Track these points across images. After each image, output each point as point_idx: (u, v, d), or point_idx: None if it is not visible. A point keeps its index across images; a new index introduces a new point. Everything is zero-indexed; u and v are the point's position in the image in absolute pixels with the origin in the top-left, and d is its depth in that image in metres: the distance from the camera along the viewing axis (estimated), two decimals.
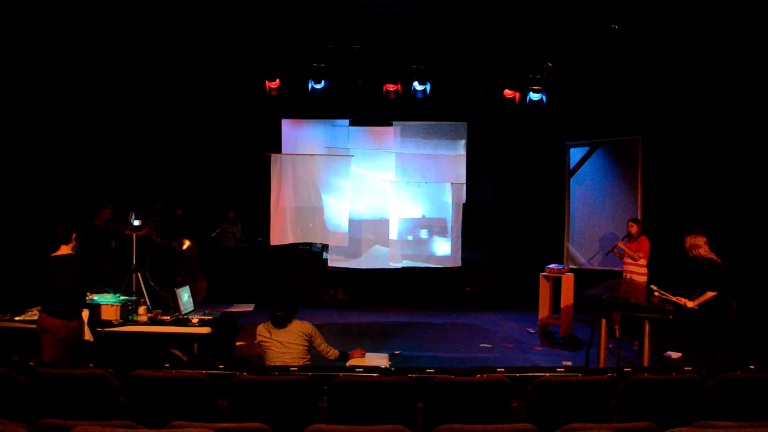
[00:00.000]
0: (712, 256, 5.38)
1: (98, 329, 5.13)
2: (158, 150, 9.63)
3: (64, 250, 4.65)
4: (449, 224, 8.43)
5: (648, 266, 7.13)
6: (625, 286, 6.65)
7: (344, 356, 4.65)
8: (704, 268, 5.36)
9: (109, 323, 5.18)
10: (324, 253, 9.81)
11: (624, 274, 7.34)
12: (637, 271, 7.14)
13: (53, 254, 4.63)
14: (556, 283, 7.91)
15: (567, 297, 7.73)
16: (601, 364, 5.78)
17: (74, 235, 4.67)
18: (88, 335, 4.97)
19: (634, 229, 7.23)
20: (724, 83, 7.45)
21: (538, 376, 3.39)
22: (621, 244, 7.30)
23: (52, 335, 4.50)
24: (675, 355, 6.74)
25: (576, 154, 9.30)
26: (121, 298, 5.43)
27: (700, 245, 5.42)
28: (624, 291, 6.15)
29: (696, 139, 8.10)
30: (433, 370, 3.65)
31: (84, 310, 4.87)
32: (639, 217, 8.07)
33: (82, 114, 8.27)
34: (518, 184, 10.86)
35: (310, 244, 9.79)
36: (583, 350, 6.67)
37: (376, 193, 8.39)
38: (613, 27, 6.97)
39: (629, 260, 7.22)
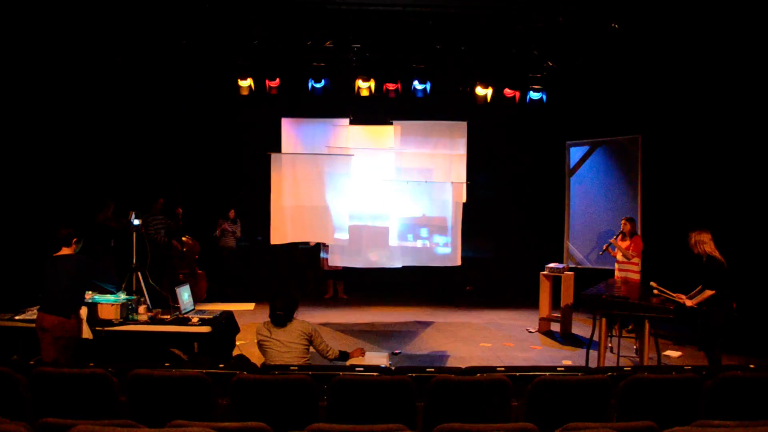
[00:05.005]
0: (716, 254, 5.37)
1: (98, 328, 5.13)
2: (159, 149, 9.64)
3: (66, 251, 4.72)
4: (449, 223, 8.41)
5: (640, 265, 7.15)
6: (623, 285, 6.66)
7: (344, 355, 4.65)
8: (706, 265, 5.35)
9: (109, 322, 5.18)
10: (321, 252, 9.82)
11: (617, 273, 7.34)
12: (631, 269, 7.15)
13: (55, 254, 4.70)
14: (556, 282, 7.91)
15: (567, 296, 7.73)
16: (601, 364, 5.78)
17: (75, 239, 4.74)
18: (86, 333, 4.97)
19: (627, 227, 7.24)
20: (724, 82, 7.44)
21: (538, 376, 3.39)
22: (614, 242, 7.30)
23: (51, 334, 4.51)
24: (675, 354, 6.75)
25: (576, 153, 9.31)
26: (122, 297, 5.42)
27: (705, 241, 5.40)
28: (623, 290, 6.16)
29: (696, 138, 8.11)
30: (433, 370, 3.65)
31: (82, 307, 4.88)
32: (639, 216, 8.08)
33: (82, 113, 8.27)
34: (518, 183, 10.86)
35: (307, 243, 9.80)
36: (583, 349, 6.67)
37: (376, 192, 8.38)
38: (613, 26, 6.96)
39: (623, 259, 7.22)
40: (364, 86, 8.40)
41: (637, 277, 7.09)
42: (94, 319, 5.18)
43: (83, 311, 4.91)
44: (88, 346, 4.99)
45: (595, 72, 8.45)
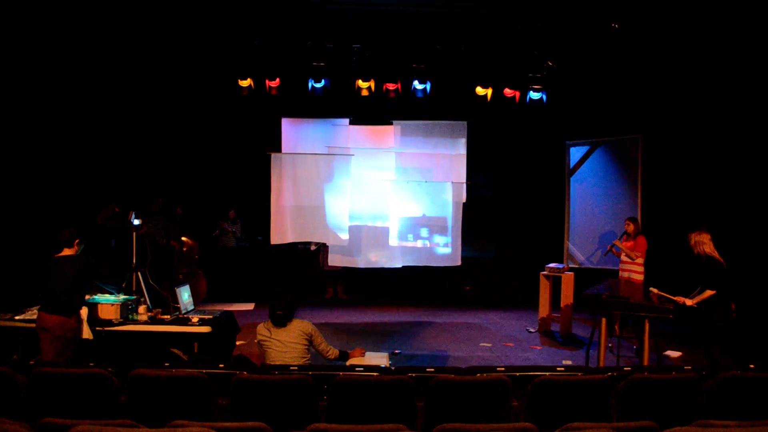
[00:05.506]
0: (716, 254, 5.37)
1: (98, 328, 5.13)
2: (158, 149, 9.63)
3: (67, 251, 4.75)
4: (449, 223, 8.42)
5: (645, 265, 7.13)
6: (624, 285, 6.65)
7: (344, 355, 4.65)
8: (706, 265, 5.36)
9: (109, 322, 5.19)
10: (321, 252, 9.81)
11: (621, 273, 7.33)
12: (634, 269, 7.13)
13: (56, 255, 4.72)
14: (556, 282, 7.91)
15: (567, 296, 7.73)
16: (601, 364, 5.78)
17: (77, 240, 4.76)
18: (87, 333, 4.97)
19: (630, 227, 7.22)
20: (724, 81, 7.44)
21: (538, 376, 3.39)
22: (618, 243, 7.29)
23: (51, 333, 4.52)
24: (674, 354, 6.75)
25: (576, 153, 9.30)
26: (122, 297, 5.43)
27: (704, 242, 5.41)
28: (623, 290, 6.16)
29: (696, 138, 8.10)
30: (433, 370, 3.65)
31: (83, 308, 4.89)
32: (639, 216, 8.08)
33: (82, 114, 8.27)
34: (518, 183, 10.86)
35: (308, 244, 9.80)
36: (583, 349, 6.67)
37: (376, 192, 8.38)
38: (614, 26, 6.96)
39: (626, 259, 7.20)
40: (364, 86, 8.40)
41: (640, 277, 7.06)
42: (94, 319, 5.18)
43: (84, 311, 4.92)
44: (88, 346, 4.99)
45: (595, 72, 8.45)
